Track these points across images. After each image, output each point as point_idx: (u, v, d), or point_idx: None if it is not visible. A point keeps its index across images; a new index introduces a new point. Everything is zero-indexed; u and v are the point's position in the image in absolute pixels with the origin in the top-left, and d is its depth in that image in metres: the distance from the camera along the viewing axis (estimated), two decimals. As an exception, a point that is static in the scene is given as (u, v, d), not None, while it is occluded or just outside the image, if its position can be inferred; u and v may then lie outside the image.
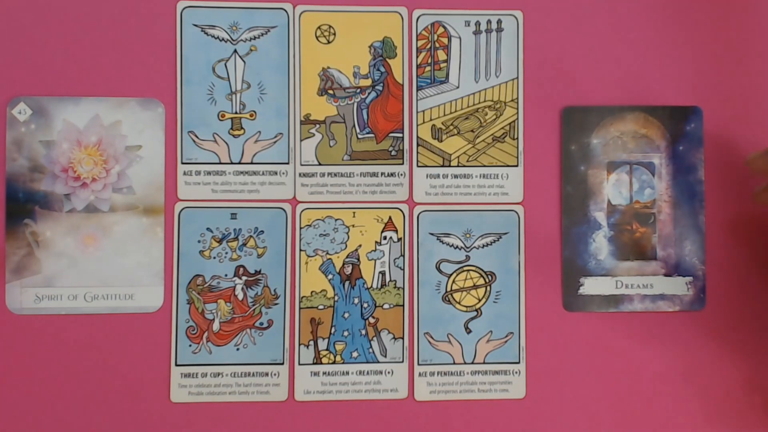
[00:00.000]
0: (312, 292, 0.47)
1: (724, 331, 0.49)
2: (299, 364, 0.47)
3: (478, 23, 0.49)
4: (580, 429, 0.48)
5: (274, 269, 0.47)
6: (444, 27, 0.48)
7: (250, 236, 0.46)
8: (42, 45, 0.47)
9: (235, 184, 0.47)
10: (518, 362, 0.48)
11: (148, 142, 0.47)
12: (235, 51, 0.48)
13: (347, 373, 0.48)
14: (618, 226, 0.49)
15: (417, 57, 0.48)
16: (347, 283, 0.48)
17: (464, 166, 0.48)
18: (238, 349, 0.46)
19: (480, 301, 0.48)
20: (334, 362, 0.48)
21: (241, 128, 0.48)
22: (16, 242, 0.46)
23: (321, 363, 0.48)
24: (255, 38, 0.48)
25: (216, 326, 0.46)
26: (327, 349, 0.48)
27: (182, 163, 0.47)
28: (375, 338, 0.48)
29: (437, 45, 0.48)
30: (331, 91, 0.48)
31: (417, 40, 0.48)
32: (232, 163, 0.47)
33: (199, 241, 0.46)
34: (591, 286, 0.48)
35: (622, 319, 0.49)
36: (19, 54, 0.47)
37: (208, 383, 0.46)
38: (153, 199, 0.47)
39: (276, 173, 0.47)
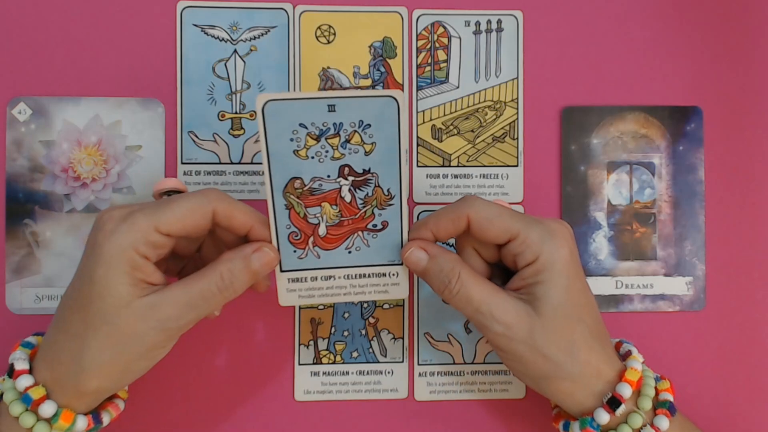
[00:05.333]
0: (312, 292, 0.47)
1: (724, 331, 0.49)
2: (299, 364, 0.47)
3: (478, 23, 0.49)
4: (580, 429, 0.48)
5: (385, 167, 0.40)
6: (444, 27, 0.48)
7: (354, 131, 0.39)
8: (42, 45, 0.47)
9: (235, 184, 0.47)
10: (518, 362, 0.48)
11: (148, 142, 0.47)
12: (235, 51, 0.48)
13: (347, 373, 0.48)
14: (618, 226, 0.49)
15: (417, 57, 0.48)
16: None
17: (464, 166, 0.48)
18: (350, 252, 0.41)
19: (480, 301, 0.48)
20: (334, 362, 0.48)
21: (241, 128, 0.48)
22: (16, 242, 0.46)
23: (321, 363, 0.48)
24: (255, 38, 0.48)
25: (322, 230, 0.40)
26: (327, 349, 0.48)
27: (182, 163, 0.47)
28: (375, 338, 0.48)
29: (437, 45, 0.48)
30: (331, 91, 0.48)
31: (417, 40, 0.48)
32: (232, 163, 0.47)
33: (292, 140, 0.38)
34: (591, 286, 0.48)
35: (622, 319, 0.49)
36: (19, 54, 0.47)
37: (319, 286, 0.42)
38: (153, 199, 0.47)
39: (276, 173, 0.47)
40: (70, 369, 0.37)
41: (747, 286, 0.49)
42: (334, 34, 0.48)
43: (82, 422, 0.38)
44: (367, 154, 0.39)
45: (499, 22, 0.49)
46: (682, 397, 0.48)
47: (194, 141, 0.47)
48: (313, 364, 0.47)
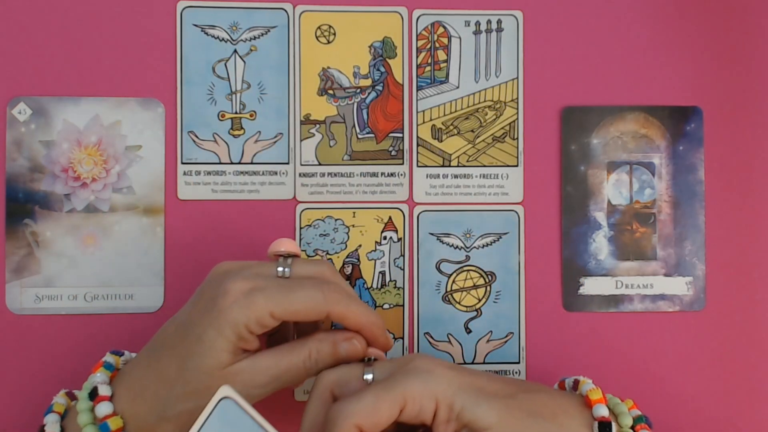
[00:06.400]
0: (312, 292, 0.47)
1: (724, 331, 0.49)
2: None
3: (478, 23, 0.49)
4: (580, 429, 0.48)
5: None
6: (444, 27, 0.49)
7: None
8: (42, 45, 0.47)
9: (235, 184, 0.47)
10: (518, 362, 0.48)
11: (148, 142, 0.47)
12: (235, 51, 0.48)
13: (347, 373, 0.47)
14: (618, 226, 0.49)
15: (417, 57, 0.48)
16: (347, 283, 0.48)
17: (464, 166, 0.48)
18: None
19: (480, 301, 0.48)
20: (334, 362, 0.47)
21: (241, 128, 0.48)
22: (16, 242, 0.46)
23: (321, 363, 0.47)
24: (255, 38, 0.48)
25: None
26: (327, 349, 0.47)
27: (182, 163, 0.47)
28: (375, 338, 0.48)
29: (437, 45, 0.49)
30: (331, 91, 0.48)
31: (417, 40, 0.48)
32: (232, 163, 0.47)
33: None
34: (591, 286, 0.48)
35: (622, 319, 0.49)
36: (19, 54, 0.47)
37: None
38: (153, 199, 0.47)
39: (276, 173, 0.47)
40: (151, 410, 0.38)
41: (747, 286, 0.49)
42: (334, 34, 0.48)
43: None
44: None
45: (499, 22, 0.49)
46: (682, 397, 0.48)
47: (194, 141, 0.47)
48: (313, 364, 0.47)
